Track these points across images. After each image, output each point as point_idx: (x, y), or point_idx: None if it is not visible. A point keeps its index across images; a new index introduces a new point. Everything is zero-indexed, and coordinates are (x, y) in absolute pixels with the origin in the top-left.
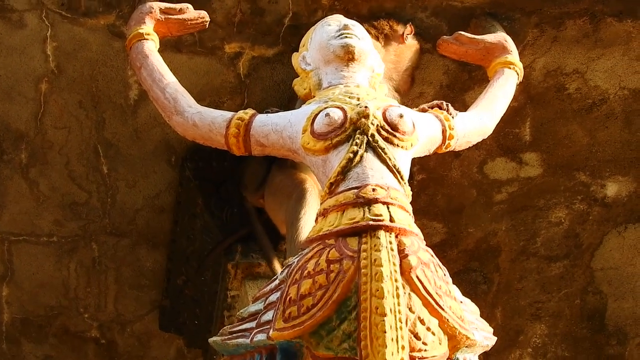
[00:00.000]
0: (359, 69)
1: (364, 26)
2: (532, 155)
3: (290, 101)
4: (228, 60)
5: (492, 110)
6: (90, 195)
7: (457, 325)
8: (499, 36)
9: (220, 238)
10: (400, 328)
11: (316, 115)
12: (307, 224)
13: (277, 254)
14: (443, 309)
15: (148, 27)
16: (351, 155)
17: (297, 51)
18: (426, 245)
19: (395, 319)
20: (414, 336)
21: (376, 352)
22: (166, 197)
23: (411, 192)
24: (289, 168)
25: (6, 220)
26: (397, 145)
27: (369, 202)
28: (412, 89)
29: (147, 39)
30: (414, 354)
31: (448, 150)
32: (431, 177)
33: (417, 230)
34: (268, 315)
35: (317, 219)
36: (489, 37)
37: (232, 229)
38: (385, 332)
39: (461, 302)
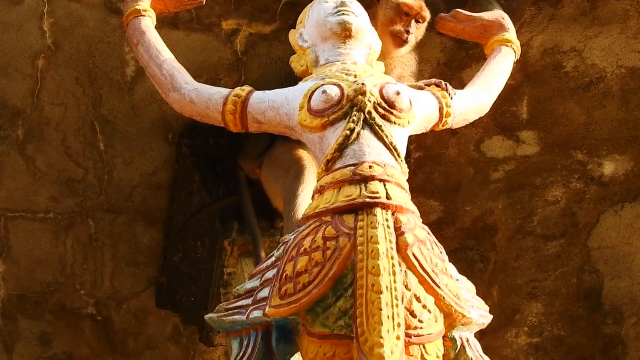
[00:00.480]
0: (356, 45)
1: None
2: (529, 134)
3: (287, 78)
4: (225, 37)
5: (489, 88)
6: (86, 171)
7: (453, 303)
8: (497, 14)
9: (216, 214)
10: (396, 305)
11: (313, 92)
12: (305, 201)
13: (272, 231)
14: (439, 287)
15: (145, 3)
16: (348, 132)
17: (294, 28)
18: (423, 223)
19: (391, 297)
20: (410, 314)
21: (372, 329)
22: (163, 174)
23: (408, 170)
24: (293, 142)
25: (2, 196)
26: (394, 123)
27: (366, 179)
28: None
29: (144, 16)
30: (410, 331)
31: (445, 127)
32: (428, 154)
33: (413, 207)
34: (264, 292)
35: (313, 196)
36: (487, 15)
37: (229, 205)
38: (381, 309)
39: (457, 280)
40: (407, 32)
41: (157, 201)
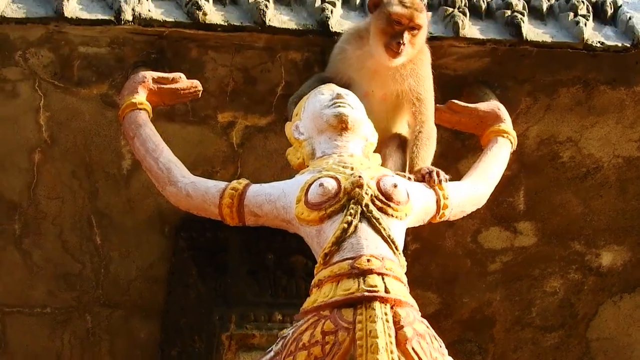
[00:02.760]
0: (353, 138)
1: None
2: (526, 224)
3: (283, 170)
4: (221, 130)
5: (486, 179)
6: (83, 265)
7: None
8: (492, 104)
9: (214, 308)
10: None
11: (310, 185)
12: None
13: (270, 325)
14: None
15: (141, 96)
16: (345, 225)
17: (290, 120)
18: (420, 315)
19: None
20: None
21: None
22: (159, 268)
23: (406, 263)
24: None
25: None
26: (392, 215)
27: (364, 273)
28: None
29: (140, 109)
30: None
31: (442, 220)
32: (425, 246)
33: (412, 301)
34: None
35: (311, 290)
36: (482, 105)
37: (227, 298)
38: None
39: None
40: (399, 43)
41: (154, 295)
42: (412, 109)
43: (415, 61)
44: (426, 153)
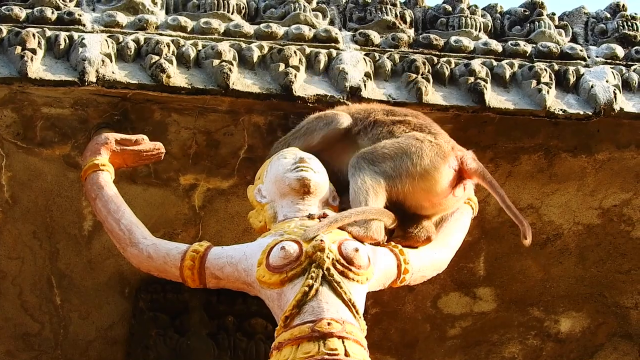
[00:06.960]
0: (315, 202)
1: None
2: (486, 290)
3: (245, 233)
4: (183, 192)
5: (447, 244)
6: (42, 326)
7: None
8: None
9: None
10: None
11: (272, 248)
12: None
13: None
14: None
15: (103, 158)
16: (306, 288)
17: (253, 184)
18: None
19: None
20: None
21: None
22: (119, 329)
23: (366, 326)
24: None
25: None
26: (353, 279)
27: (324, 336)
28: None
29: (102, 170)
30: None
31: (403, 284)
32: (385, 310)
33: None
34: None
35: (271, 352)
36: None
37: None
38: None
39: None
40: None
41: (113, 356)
42: None
43: None
44: None
